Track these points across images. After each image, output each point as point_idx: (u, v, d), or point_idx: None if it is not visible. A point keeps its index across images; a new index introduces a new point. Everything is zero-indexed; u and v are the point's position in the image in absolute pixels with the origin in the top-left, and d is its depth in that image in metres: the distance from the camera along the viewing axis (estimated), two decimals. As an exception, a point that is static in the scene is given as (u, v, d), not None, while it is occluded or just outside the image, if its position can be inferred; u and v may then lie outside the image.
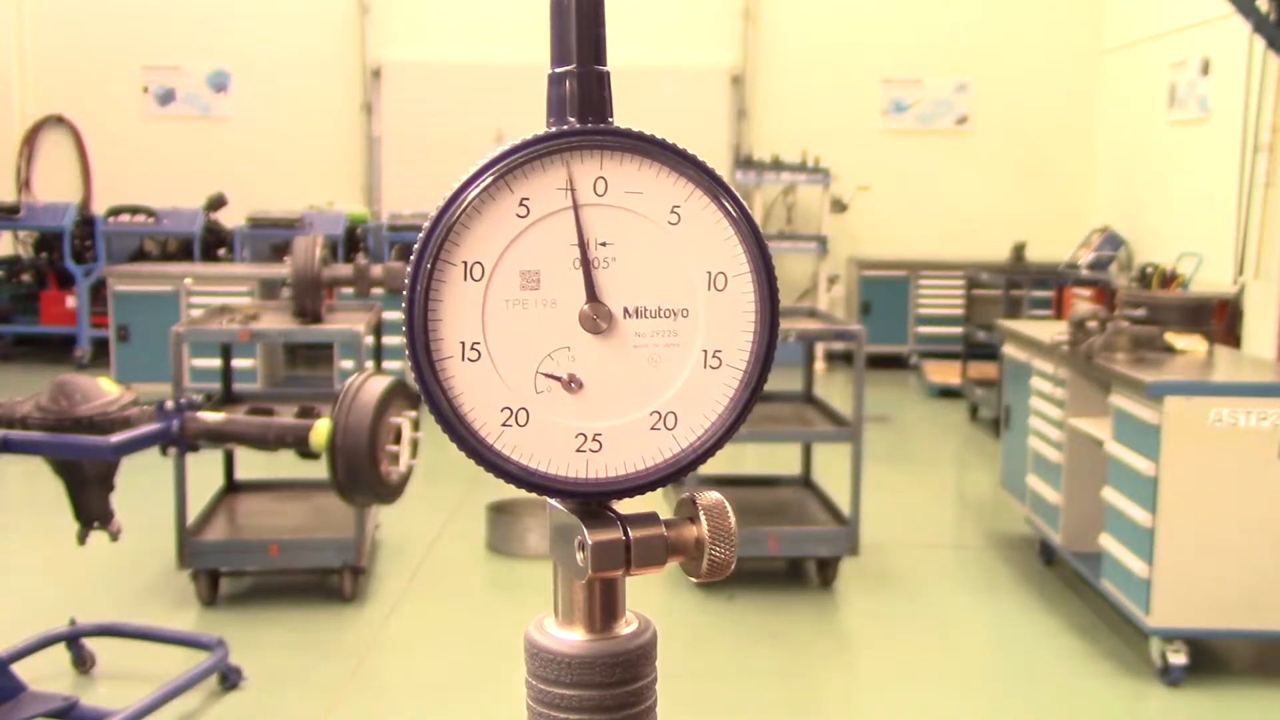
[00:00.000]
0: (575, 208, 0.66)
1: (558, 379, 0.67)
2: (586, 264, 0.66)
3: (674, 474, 0.68)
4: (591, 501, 0.69)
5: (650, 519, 0.68)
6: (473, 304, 0.66)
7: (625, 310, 0.67)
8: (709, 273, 0.68)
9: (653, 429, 0.68)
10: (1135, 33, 9.45)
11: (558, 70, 0.69)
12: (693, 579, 0.71)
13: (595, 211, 0.67)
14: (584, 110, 0.68)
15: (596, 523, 0.67)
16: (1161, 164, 8.97)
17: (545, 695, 0.68)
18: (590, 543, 0.66)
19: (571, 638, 0.69)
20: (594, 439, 0.67)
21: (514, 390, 0.66)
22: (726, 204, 0.68)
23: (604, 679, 0.67)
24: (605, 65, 0.69)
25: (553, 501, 0.70)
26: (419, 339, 0.65)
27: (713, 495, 0.70)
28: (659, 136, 0.67)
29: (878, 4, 10.28)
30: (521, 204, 0.66)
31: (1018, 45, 10.23)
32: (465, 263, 0.66)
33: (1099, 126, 10.18)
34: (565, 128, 0.67)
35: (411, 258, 0.66)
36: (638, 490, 0.68)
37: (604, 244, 0.67)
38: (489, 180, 0.65)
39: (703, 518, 0.69)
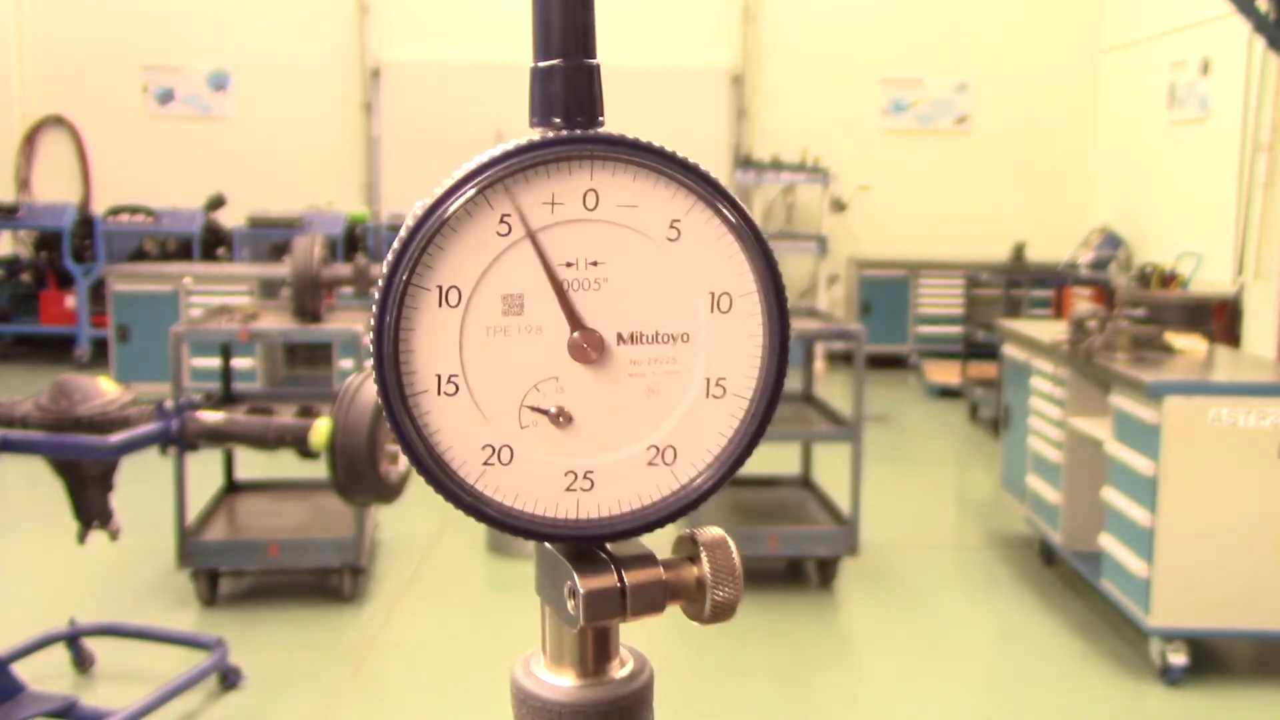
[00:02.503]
0: (531, 235, 0.60)
1: (545, 413, 0.61)
2: (561, 293, 0.60)
3: (673, 513, 0.63)
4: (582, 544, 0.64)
5: (646, 560, 0.63)
6: (449, 332, 0.60)
7: (619, 336, 0.61)
8: (712, 293, 0.62)
9: (650, 465, 0.63)
10: (1135, 33, 9.45)
11: (542, 65, 0.63)
12: (695, 623, 0.65)
13: (585, 227, 0.60)
14: (572, 110, 0.62)
15: (588, 567, 0.61)
16: (1161, 164, 8.97)
17: None
18: (582, 591, 0.60)
19: (561, 683, 0.64)
20: (585, 477, 0.62)
21: (496, 426, 0.61)
22: (731, 217, 0.62)
23: None
24: (595, 58, 0.63)
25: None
26: (389, 372, 0.59)
27: (714, 531, 0.65)
28: (657, 144, 0.61)
29: (878, 4, 10.28)
30: (503, 221, 0.60)
31: (1018, 45, 10.23)
32: (440, 287, 0.59)
33: (1099, 126, 10.18)
34: (551, 135, 0.61)
35: (379, 281, 0.59)
36: (633, 532, 0.63)
37: (595, 263, 0.61)
38: (467, 195, 0.59)
39: (704, 556, 0.64)
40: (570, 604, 0.61)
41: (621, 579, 0.61)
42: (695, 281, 0.62)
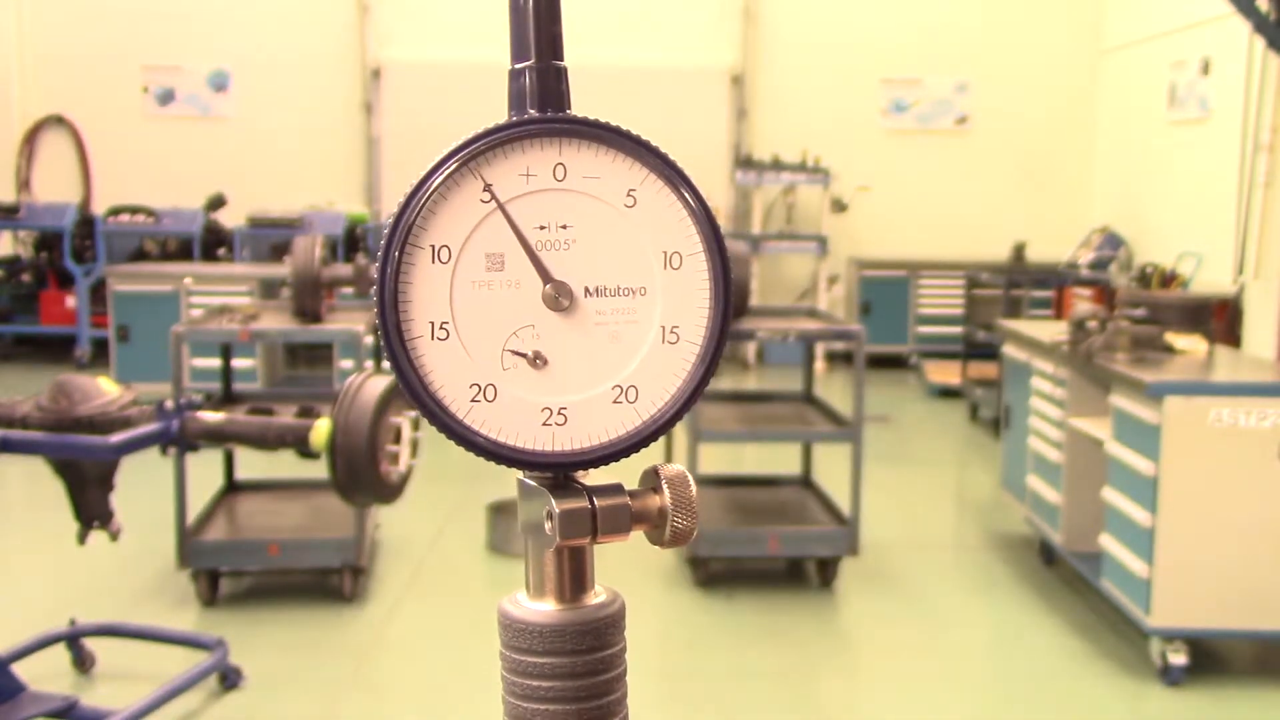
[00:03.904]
0: (500, 206, 0.69)
1: (523, 356, 0.69)
2: (531, 253, 0.69)
3: (636, 445, 0.71)
4: (559, 474, 0.71)
5: (615, 489, 0.71)
6: (441, 285, 0.68)
7: (586, 289, 0.70)
8: (665, 252, 0.71)
9: (615, 403, 0.71)
10: (1135, 33, 9.45)
11: (517, 66, 0.71)
12: (656, 546, 0.73)
13: (555, 196, 0.69)
14: (543, 102, 0.70)
15: (563, 493, 0.70)
16: (1161, 164, 8.97)
17: (518, 665, 0.70)
18: (557, 511, 0.68)
19: (543, 608, 0.71)
20: (559, 413, 0.70)
21: (482, 367, 0.69)
22: (680, 188, 0.70)
23: (574, 646, 0.70)
24: (562, 60, 0.71)
25: (522, 477, 0.72)
26: (390, 319, 0.68)
27: (675, 467, 0.73)
28: (615, 124, 0.70)
29: (878, 4, 10.28)
30: (485, 189, 0.69)
31: (1018, 45, 10.23)
32: (433, 246, 0.68)
33: (1099, 126, 10.18)
34: (525, 117, 0.70)
35: (381, 241, 0.68)
36: (602, 461, 0.71)
37: (564, 226, 0.70)
38: (454, 167, 0.68)
39: (665, 488, 0.72)
40: (548, 525, 0.69)
41: (592, 503, 0.69)
42: (650, 242, 0.71)
